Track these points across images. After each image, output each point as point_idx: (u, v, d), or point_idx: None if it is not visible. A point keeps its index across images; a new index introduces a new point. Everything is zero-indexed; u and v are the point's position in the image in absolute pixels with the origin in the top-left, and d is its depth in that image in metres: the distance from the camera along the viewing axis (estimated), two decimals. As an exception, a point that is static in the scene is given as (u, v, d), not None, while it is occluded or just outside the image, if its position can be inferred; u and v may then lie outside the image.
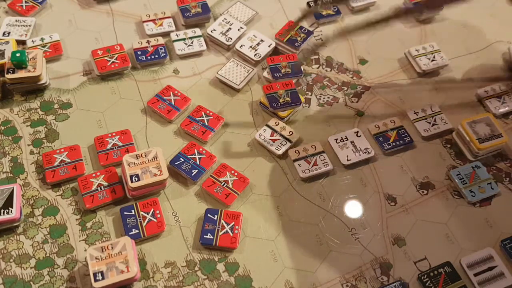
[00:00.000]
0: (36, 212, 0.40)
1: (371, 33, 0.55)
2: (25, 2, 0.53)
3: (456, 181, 0.43)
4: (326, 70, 0.51)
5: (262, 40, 0.51)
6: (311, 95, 0.49)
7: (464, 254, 0.40)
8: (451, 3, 0.43)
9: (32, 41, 0.50)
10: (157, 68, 0.50)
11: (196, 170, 0.43)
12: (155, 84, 0.49)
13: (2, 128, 0.45)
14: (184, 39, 0.51)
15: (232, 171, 0.43)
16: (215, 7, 0.56)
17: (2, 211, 0.38)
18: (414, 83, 0.51)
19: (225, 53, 0.52)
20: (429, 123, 0.47)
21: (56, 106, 0.47)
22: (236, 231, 0.40)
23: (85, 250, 0.39)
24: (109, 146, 0.44)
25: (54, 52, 0.50)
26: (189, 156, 0.43)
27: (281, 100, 0.46)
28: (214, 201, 0.42)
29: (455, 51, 0.54)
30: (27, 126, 0.45)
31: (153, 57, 0.50)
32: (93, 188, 0.41)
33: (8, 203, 0.39)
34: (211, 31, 0.52)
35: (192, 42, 0.51)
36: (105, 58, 0.49)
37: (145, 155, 0.41)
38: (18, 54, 0.45)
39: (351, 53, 0.53)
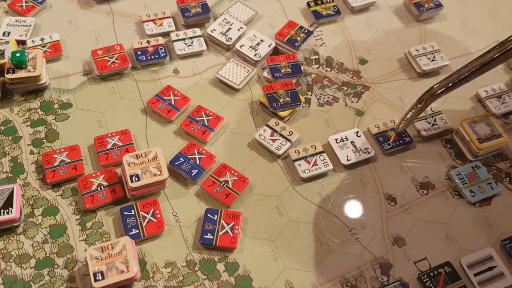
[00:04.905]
0: (36, 212, 0.40)
1: (371, 33, 0.55)
2: (25, 2, 0.53)
3: (456, 181, 0.43)
4: (326, 70, 0.51)
5: (262, 40, 0.51)
6: (311, 95, 0.49)
7: (464, 254, 0.40)
8: None
9: (32, 41, 0.50)
10: (157, 68, 0.50)
11: (196, 170, 0.43)
12: (155, 84, 0.49)
13: (2, 128, 0.45)
14: (184, 39, 0.51)
15: (232, 171, 0.43)
16: (215, 7, 0.56)
17: (2, 211, 0.38)
18: (414, 83, 0.51)
19: (225, 53, 0.52)
20: (429, 123, 0.47)
21: (56, 106, 0.47)
22: (236, 231, 0.40)
23: (85, 250, 0.39)
24: (109, 146, 0.44)
25: (54, 52, 0.50)
26: (189, 156, 0.43)
27: (281, 100, 0.46)
28: (214, 201, 0.42)
29: (455, 51, 0.54)
30: (27, 126, 0.45)
31: (153, 57, 0.50)
32: (93, 188, 0.41)
33: (8, 203, 0.39)
34: (211, 31, 0.52)
35: (192, 42, 0.51)
36: (105, 58, 0.49)
37: (145, 155, 0.41)
38: (18, 54, 0.45)
39: (351, 53, 0.53)
